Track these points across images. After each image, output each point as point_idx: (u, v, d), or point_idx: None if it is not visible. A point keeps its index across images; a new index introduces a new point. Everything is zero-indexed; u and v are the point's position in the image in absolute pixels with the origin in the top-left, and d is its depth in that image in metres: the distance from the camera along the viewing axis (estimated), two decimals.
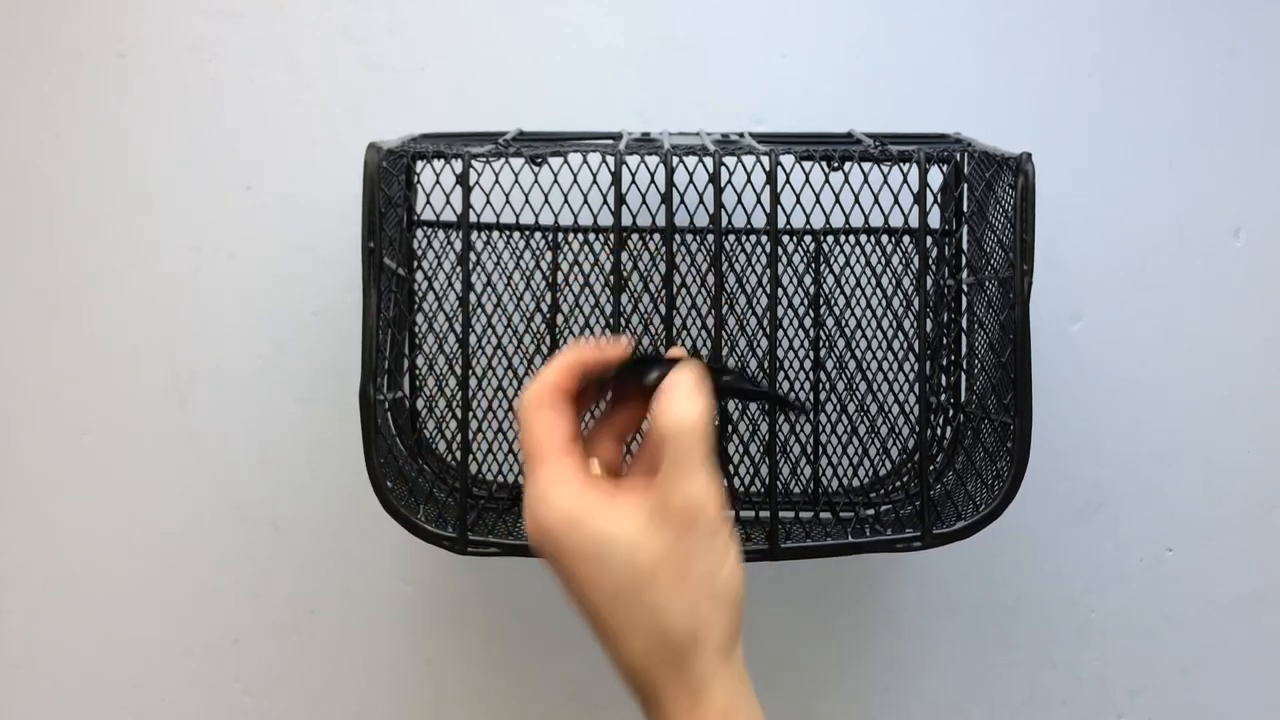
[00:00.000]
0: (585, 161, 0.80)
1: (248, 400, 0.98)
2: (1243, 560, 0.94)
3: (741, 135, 0.81)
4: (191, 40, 0.98)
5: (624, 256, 0.75)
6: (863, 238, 0.84)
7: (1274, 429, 0.98)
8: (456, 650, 0.98)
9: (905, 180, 0.77)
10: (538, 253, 0.86)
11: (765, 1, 0.97)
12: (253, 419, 0.98)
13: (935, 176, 0.86)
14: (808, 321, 0.84)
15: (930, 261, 0.76)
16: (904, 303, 0.82)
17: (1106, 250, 0.97)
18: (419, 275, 0.84)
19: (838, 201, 0.79)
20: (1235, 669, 0.95)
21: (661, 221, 0.80)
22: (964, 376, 0.84)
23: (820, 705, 1.00)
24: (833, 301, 0.84)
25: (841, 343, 0.83)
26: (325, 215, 0.96)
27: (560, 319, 0.82)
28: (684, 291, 0.83)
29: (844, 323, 0.83)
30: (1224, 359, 0.98)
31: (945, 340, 0.84)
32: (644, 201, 0.84)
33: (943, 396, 0.85)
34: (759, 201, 0.74)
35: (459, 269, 0.76)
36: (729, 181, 0.76)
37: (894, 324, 0.82)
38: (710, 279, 0.78)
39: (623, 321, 0.75)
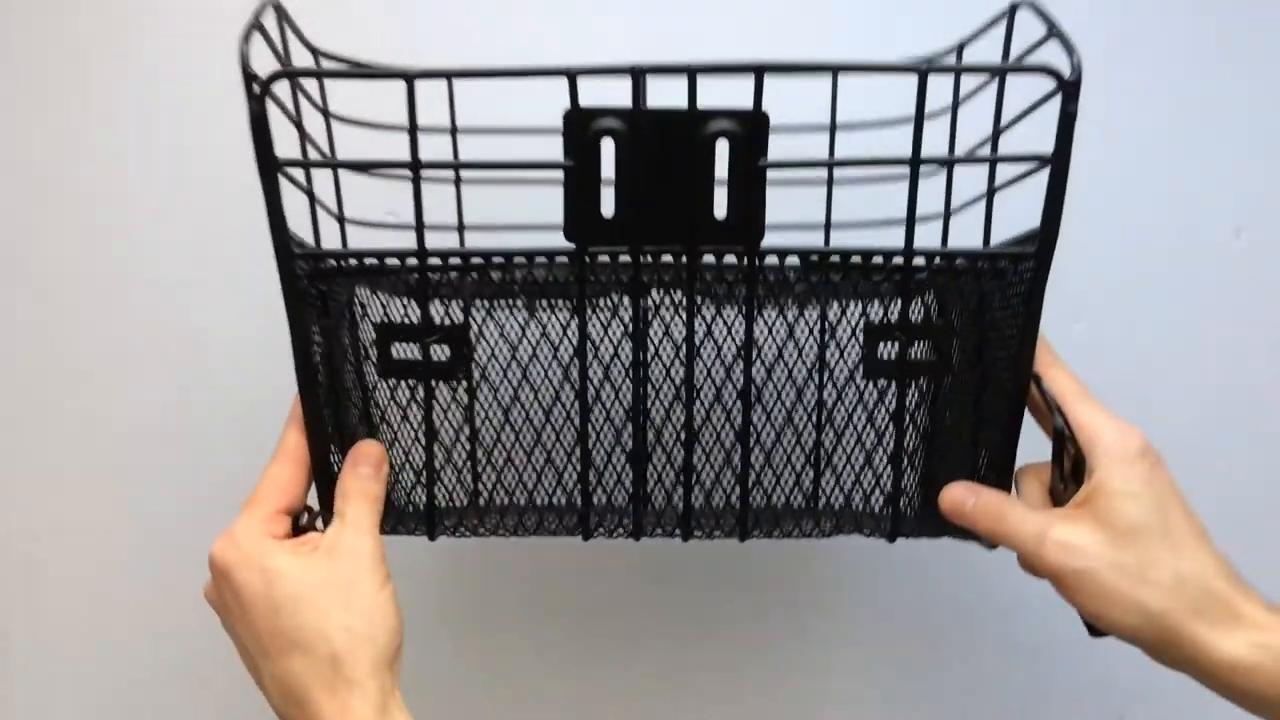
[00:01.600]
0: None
1: (248, 402, 0.98)
2: (1244, 561, 0.88)
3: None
4: (191, 40, 1.01)
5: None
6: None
7: (1276, 429, 0.96)
8: (453, 647, 0.98)
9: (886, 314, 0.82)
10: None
11: (765, 2, 0.98)
12: (253, 420, 0.98)
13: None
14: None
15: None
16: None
17: (1107, 251, 0.96)
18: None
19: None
20: None
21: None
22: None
23: (819, 707, 0.99)
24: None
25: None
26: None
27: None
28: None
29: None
30: (1226, 360, 0.97)
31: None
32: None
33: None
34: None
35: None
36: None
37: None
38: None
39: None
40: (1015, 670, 0.97)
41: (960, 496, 0.70)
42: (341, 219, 0.84)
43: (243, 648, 0.67)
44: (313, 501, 0.74)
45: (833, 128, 0.87)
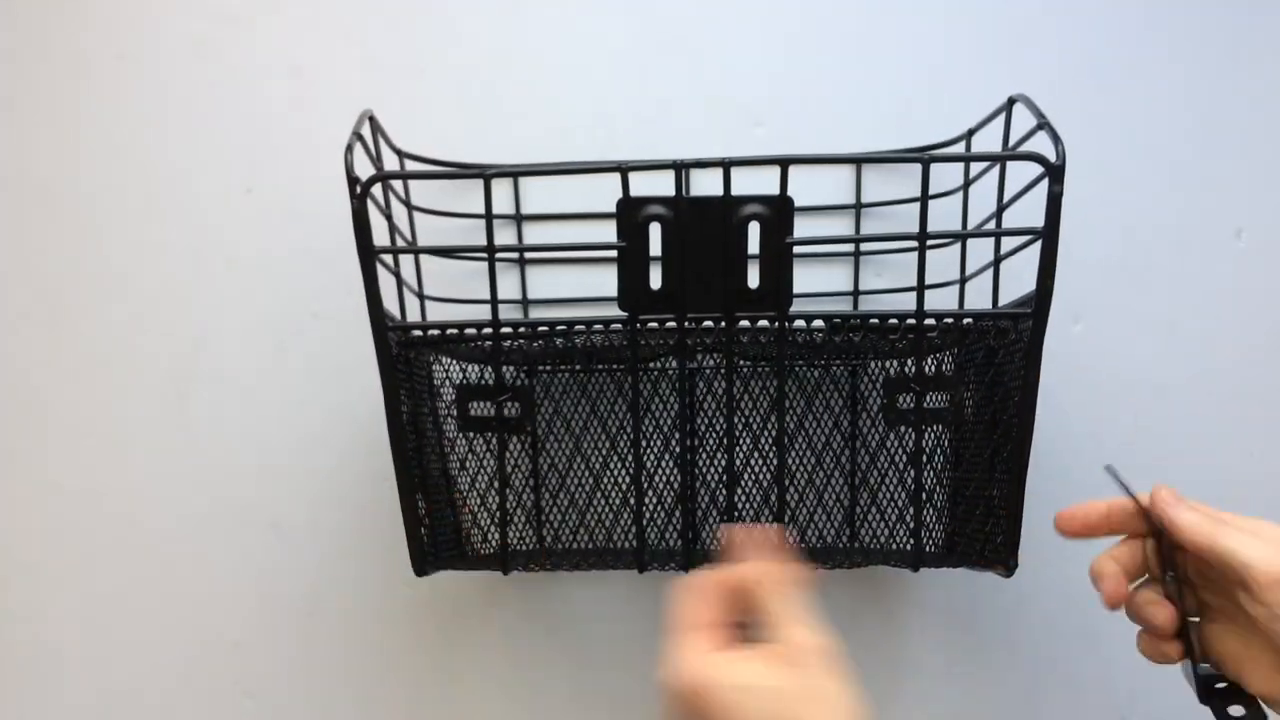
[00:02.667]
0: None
1: (248, 402, 0.98)
2: None
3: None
4: (191, 42, 0.98)
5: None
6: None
7: (1276, 429, 0.98)
8: (456, 653, 0.98)
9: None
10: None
11: (766, 3, 0.97)
12: (253, 420, 0.98)
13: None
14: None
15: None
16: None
17: (1107, 251, 0.97)
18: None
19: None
20: None
21: None
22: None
23: None
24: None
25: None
26: (326, 217, 0.96)
27: None
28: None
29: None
30: (1225, 359, 0.98)
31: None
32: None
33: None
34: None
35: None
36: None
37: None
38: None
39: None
40: (1015, 670, 0.98)
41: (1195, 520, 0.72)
42: (422, 296, 0.92)
43: None
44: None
45: (858, 207, 0.97)
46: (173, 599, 0.99)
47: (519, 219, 0.97)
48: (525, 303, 0.97)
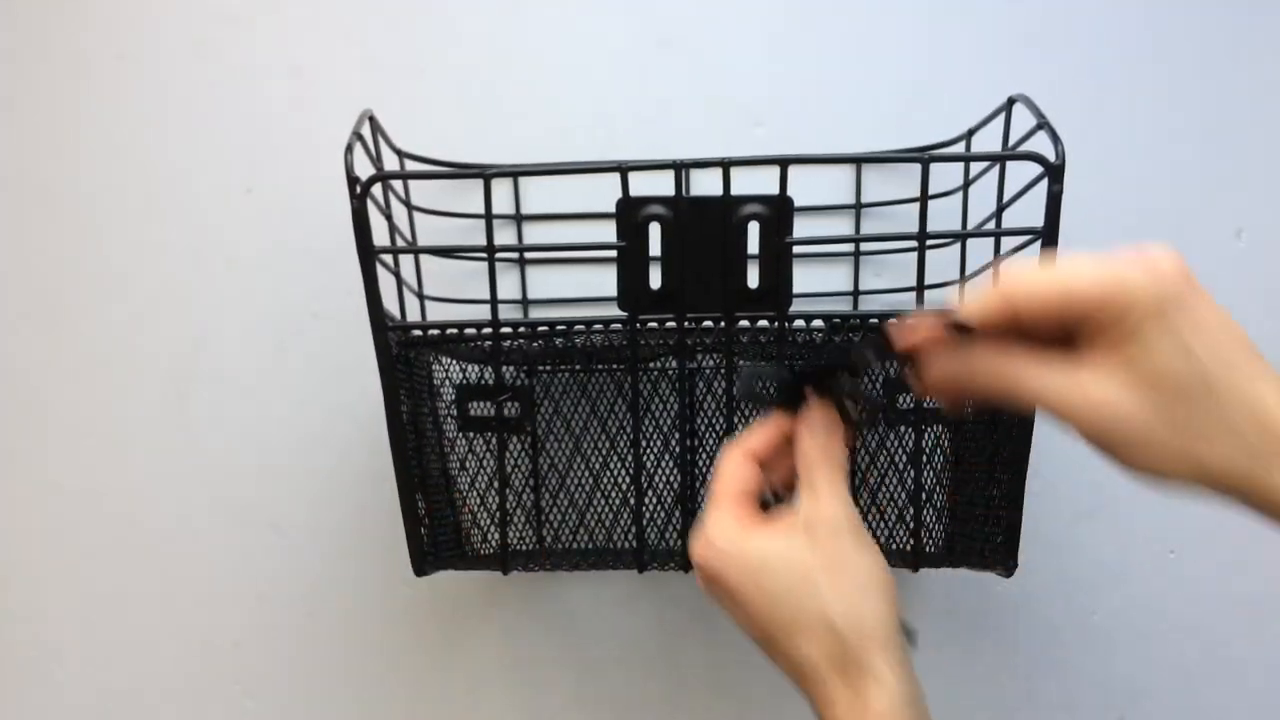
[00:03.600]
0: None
1: (248, 402, 0.99)
2: (1245, 563, 0.94)
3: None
4: (191, 42, 0.98)
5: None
6: None
7: None
8: (456, 653, 0.99)
9: None
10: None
11: (766, 3, 0.97)
12: (253, 421, 0.98)
13: None
14: None
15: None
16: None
17: (1107, 252, 0.97)
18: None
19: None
20: (1237, 672, 0.95)
21: None
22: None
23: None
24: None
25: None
26: (326, 217, 0.96)
27: None
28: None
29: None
30: None
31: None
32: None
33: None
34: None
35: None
36: None
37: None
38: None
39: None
40: (1015, 670, 0.98)
41: (944, 367, 0.60)
42: (422, 296, 0.92)
43: (747, 631, 0.65)
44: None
45: (858, 207, 0.97)
46: (173, 599, 0.99)
47: (519, 219, 0.97)
48: (525, 303, 0.97)
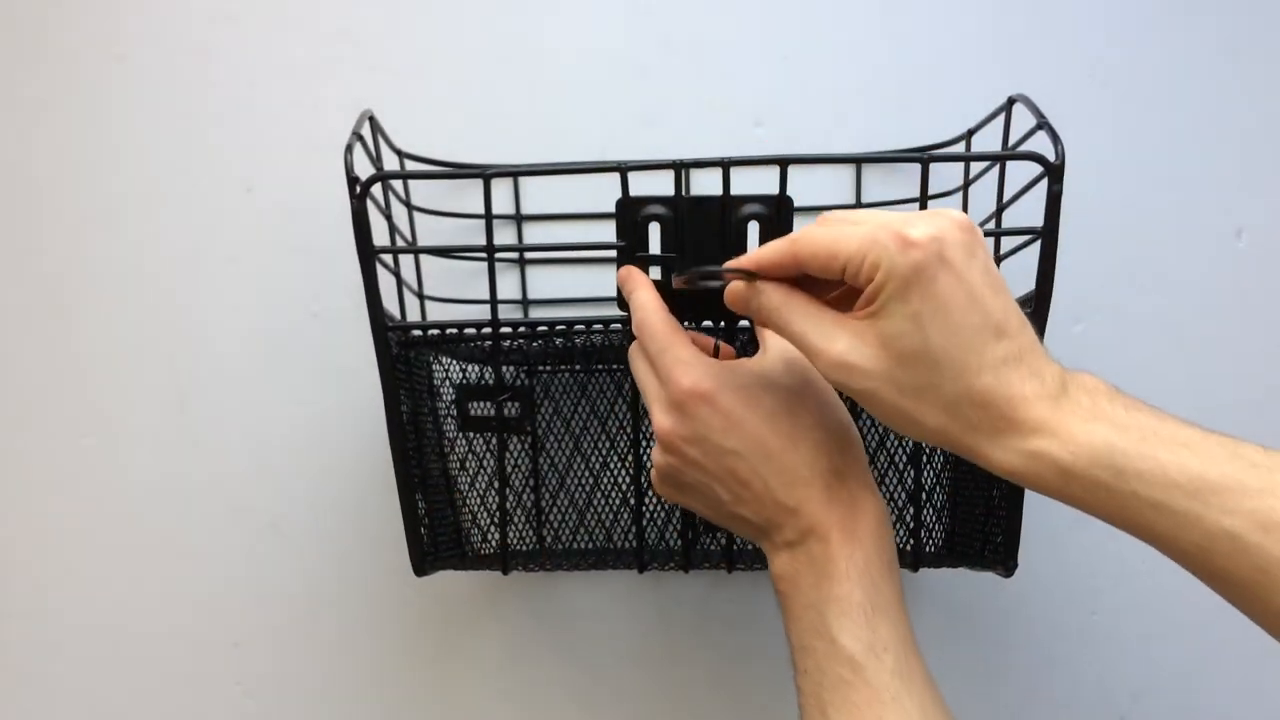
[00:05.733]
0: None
1: (248, 402, 0.99)
2: None
3: None
4: (191, 43, 0.98)
5: None
6: None
7: (1277, 430, 0.98)
8: (457, 653, 0.98)
9: None
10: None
11: (766, 3, 0.97)
12: (253, 420, 0.98)
13: None
14: None
15: None
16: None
17: (1107, 252, 0.97)
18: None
19: None
20: (1237, 672, 0.95)
21: None
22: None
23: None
24: None
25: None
26: (325, 217, 0.96)
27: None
28: None
29: None
30: (1226, 361, 0.98)
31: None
32: None
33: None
34: None
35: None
36: None
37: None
38: None
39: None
40: (1015, 670, 0.98)
41: (742, 294, 0.65)
42: (422, 296, 0.92)
43: (735, 455, 0.65)
44: None
45: (858, 207, 0.97)
46: (173, 599, 0.99)
47: (519, 219, 0.97)
48: (525, 303, 0.97)
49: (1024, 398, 0.56)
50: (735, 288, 0.65)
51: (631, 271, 0.71)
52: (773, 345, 0.69)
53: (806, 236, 0.61)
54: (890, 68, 0.97)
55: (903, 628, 0.63)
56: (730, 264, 0.64)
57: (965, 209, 0.89)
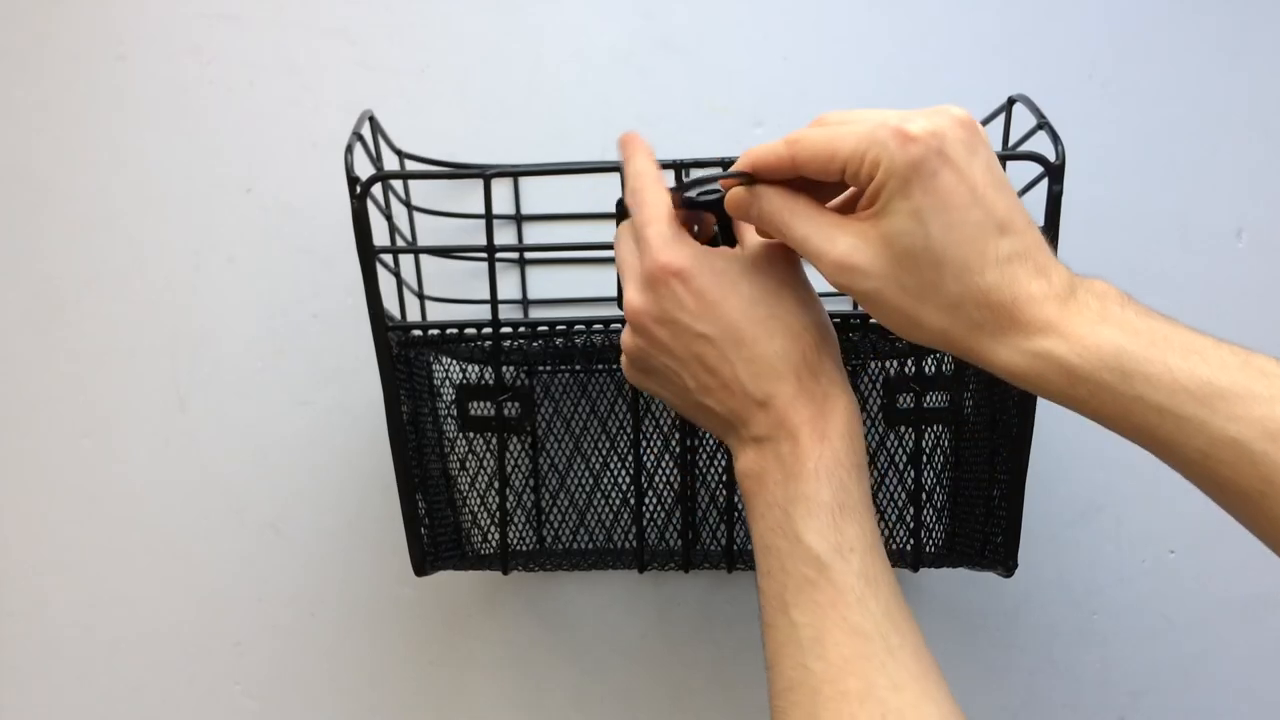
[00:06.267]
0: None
1: (248, 403, 0.98)
2: (1245, 562, 0.94)
3: None
4: (191, 42, 0.98)
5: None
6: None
7: None
8: (457, 653, 0.98)
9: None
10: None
11: (765, 3, 0.97)
12: (253, 421, 0.98)
13: None
14: None
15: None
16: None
17: (1107, 252, 0.97)
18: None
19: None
20: (1237, 672, 0.95)
21: None
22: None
23: None
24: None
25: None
26: (325, 217, 0.96)
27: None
28: None
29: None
30: None
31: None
32: None
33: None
34: None
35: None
36: None
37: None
38: None
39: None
40: (1015, 670, 0.98)
41: (742, 200, 0.64)
42: (422, 296, 0.92)
43: (706, 336, 0.63)
44: None
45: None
46: (173, 599, 0.99)
47: (519, 219, 0.97)
48: (525, 303, 0.97)
49: (1030, 296, 0.55)
50: (736, 194, 0.63)
51: (632, 137, 0.70)
52: (753, 240, 0.66)
53: (803, 137, 0.59)
54: (890, 68, 0.97)
55: (869, 530, 0.60)
56: (729, 170, 0.63)
57: None
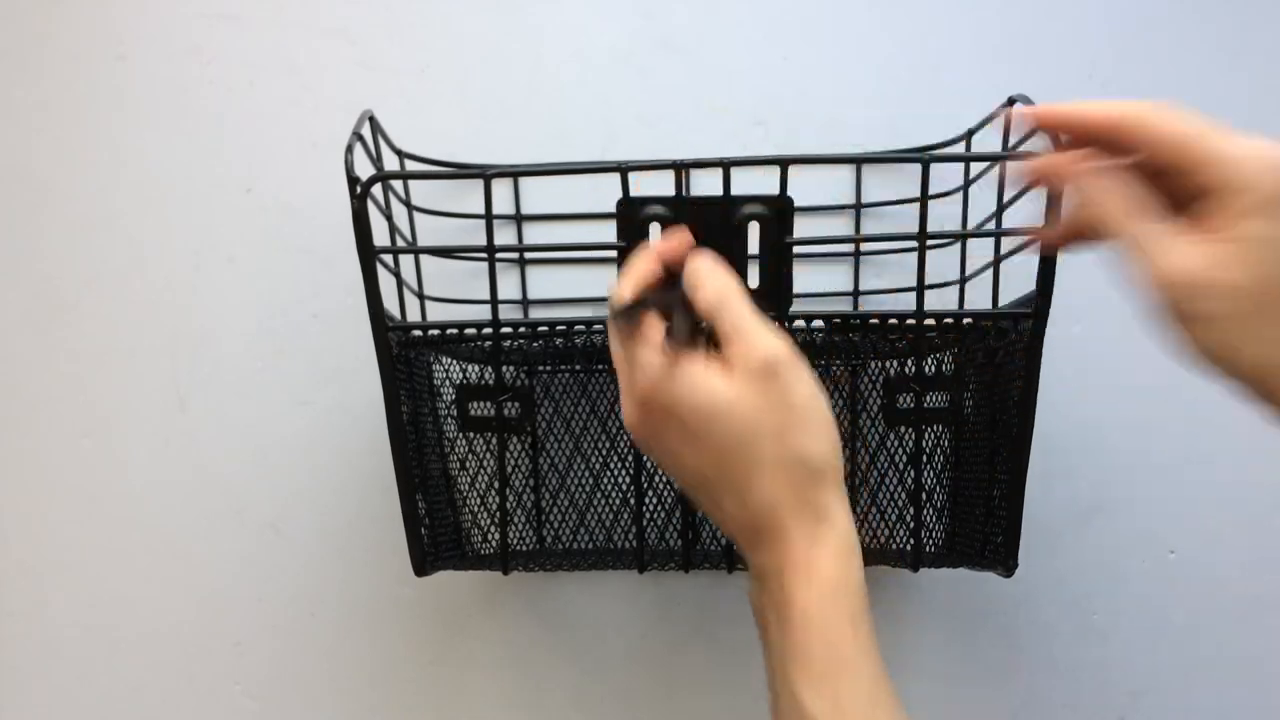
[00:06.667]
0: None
1: (248, 403, 0.98)
2: (1245, 563, 0.94)
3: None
4: (191, 42, 0.98)
5: None
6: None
7: (1276, 431, 0.97)
8: (457, 653, 0.98)
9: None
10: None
11: (766, 3, 0.97)
12: (253, 421, 0.98)
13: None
14: None
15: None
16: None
17: (1107, 252, 0.97)
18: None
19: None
20: (1237, 672, 0.95)
21: None
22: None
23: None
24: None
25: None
26: (325, 217, 0.96)
27: None
28: None
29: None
30: None
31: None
32: None
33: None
34: None
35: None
36: None
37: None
38: None
39: None
40: (1015, 670, 0.97)
41: (1067, 169, 0.61)
42: (422, 296, 0.92)
43: (691, 470, 0.63)
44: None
45: (858, 207, 0.97)
46: (173, 599, 0.99)
47: (519, 219, 0.97)
48: (525, 303, 0.97)
49: None
50: (1056, 159, 0.61)
51: (647, 250, 0.67)
52: (737, 350, 0.61)
53: (1163, 115, 0.57)
54: (890, 68, 0.97)
55: (865, 682, 0.59)
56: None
57: (965, 209, 0.90)
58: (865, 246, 0.95)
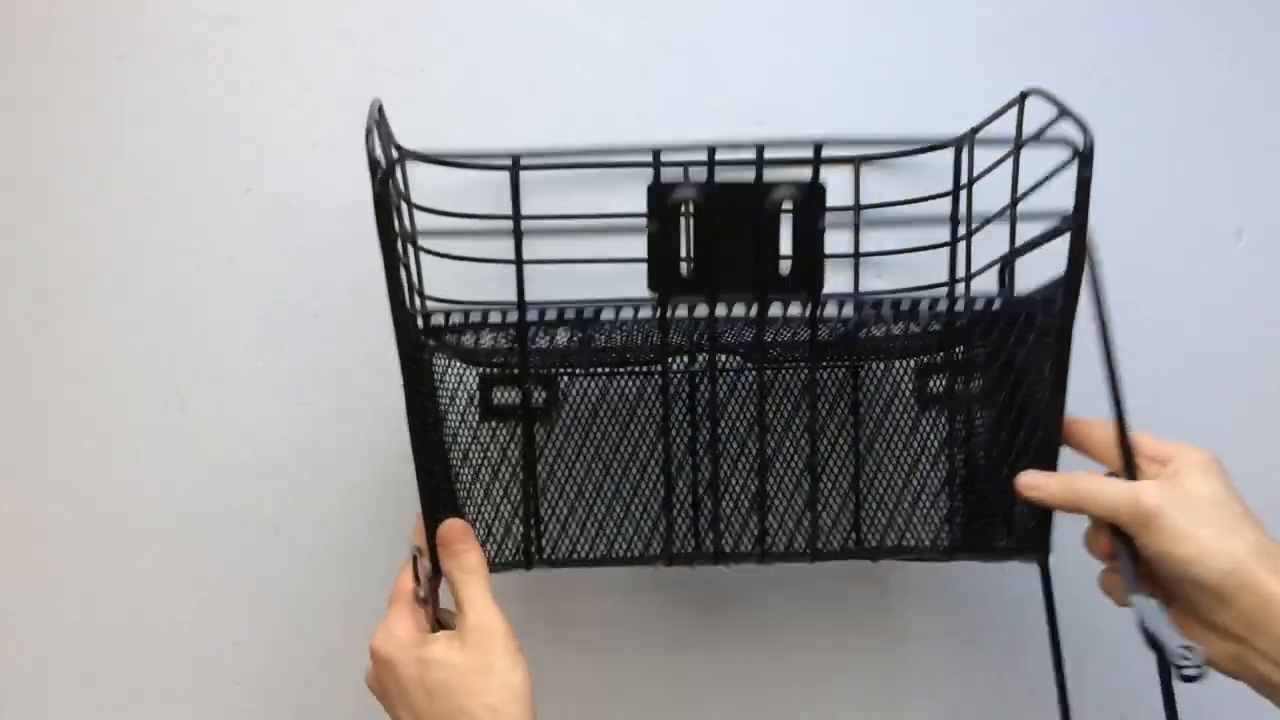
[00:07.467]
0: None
1: (248, 403, 0.99)
2: None
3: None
4: (191, 43, 0.98)
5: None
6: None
7: (1276, 431, 0.98)
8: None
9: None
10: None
11: (766, 3, 0.97)
12: (253, 421, 0.98)
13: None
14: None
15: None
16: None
17: (1107, 252, 0.96)
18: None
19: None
20: None
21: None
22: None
23: (816, 707, 1.00)
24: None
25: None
26: (325, 217, 0.96)
27: None
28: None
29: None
30: (1226, 361, 0.98)
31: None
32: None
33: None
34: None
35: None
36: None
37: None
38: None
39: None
40: (1015, 670, 0.98)
41: (1035, 481, 0.79)
42: (423, 296, 0.90)
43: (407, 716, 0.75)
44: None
45: (857, 208, 0.96)
46: (173, 599, 0.99)
47: (517, 219, 0.95)
48: (523, 304, 0.95)
49: None
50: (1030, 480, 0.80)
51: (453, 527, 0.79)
52: (461, 620, 0.77)
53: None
54: (890, 68, 0.97)
55: None
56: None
57: (969, 204, 0.90)
58: (865, 247, 0.94)
